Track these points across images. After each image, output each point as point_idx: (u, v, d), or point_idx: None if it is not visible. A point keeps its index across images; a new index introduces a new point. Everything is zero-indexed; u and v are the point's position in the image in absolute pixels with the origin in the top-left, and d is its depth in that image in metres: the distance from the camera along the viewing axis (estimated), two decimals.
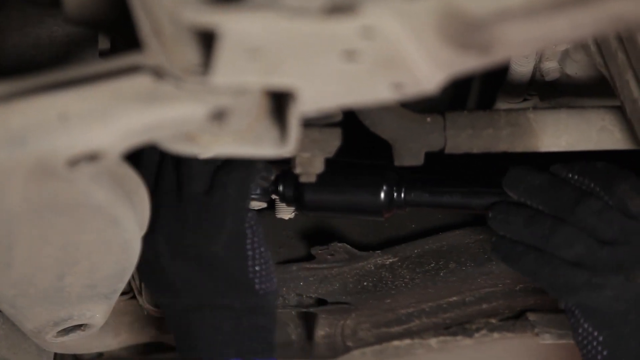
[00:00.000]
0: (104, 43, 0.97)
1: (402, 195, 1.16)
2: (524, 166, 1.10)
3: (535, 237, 1.07)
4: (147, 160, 1.11)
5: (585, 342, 1.08)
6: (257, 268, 1.13)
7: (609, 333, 1.06)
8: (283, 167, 1.18)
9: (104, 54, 0.97)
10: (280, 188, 1.19)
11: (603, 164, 1.07)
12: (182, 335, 1.16)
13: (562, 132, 1.05)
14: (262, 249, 1.14)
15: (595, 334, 1.07)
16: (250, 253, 1.13)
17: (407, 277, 1.33)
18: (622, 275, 1.04)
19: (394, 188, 1.16)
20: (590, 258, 1.05)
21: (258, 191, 1.18)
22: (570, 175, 1.08)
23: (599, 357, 1.07)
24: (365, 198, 1.16)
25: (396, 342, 1.54)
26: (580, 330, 1.08)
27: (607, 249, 1.04)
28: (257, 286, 1.13)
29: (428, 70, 0.64)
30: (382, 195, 1.16)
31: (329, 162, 1.05)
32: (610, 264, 1.04)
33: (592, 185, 1.06)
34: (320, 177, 1.05)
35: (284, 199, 1.20)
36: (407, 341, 1.54)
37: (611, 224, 1.04)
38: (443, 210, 1.29)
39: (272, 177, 1.17)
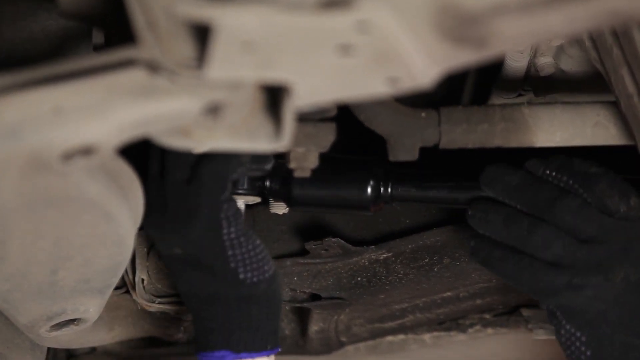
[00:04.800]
0: (98, 37, 0.97)
1: (389, 190, 1.17)
2: (500, 164, 1.09)
3: (513, 237, 1.07)
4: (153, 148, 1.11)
5: (568, 342, 1.08)
6: (239, 257, 1.12)
7: (591, 333, 1.06)
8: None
9: (98, 48, 0.96)
10: (268, 183, 1.18)
11: (580, 160, 1.07)
12: (192, 322, 1.19)
13: (557, 128, 1.05)
14: (242, 239, 1.13)
15: (578, 334, 1.07)
16: (227, 243, 1.12)
17: (401, 272, 1.33)
18: (602, 275, 1.04)
19: (381, 183, 1.16)
20: (568, 258, 1.04)
21: (246, 186, 1.18)
22: (548, 172, 1.07)
23: (583, 357, 1.07)
24: (352, 193, 1.16)
25: (390, 338, 1.54)
26: (562, 332, 1.08)
27: (586, 248, 1.04)
28: (241, 275, 1.12)
29: (423, 65, 0.64)
30: (369, 190, 1.16)
31: None
32: (589, 264, 1.04)
33: (571, 182, 1.06)
34: None
35: (271, 194, 1.20)
36: (401, 336, 1.54)
37: (589, 222, 1.04)
38: (430, 204, 1.29)
39: (269, 167, 1.15)
